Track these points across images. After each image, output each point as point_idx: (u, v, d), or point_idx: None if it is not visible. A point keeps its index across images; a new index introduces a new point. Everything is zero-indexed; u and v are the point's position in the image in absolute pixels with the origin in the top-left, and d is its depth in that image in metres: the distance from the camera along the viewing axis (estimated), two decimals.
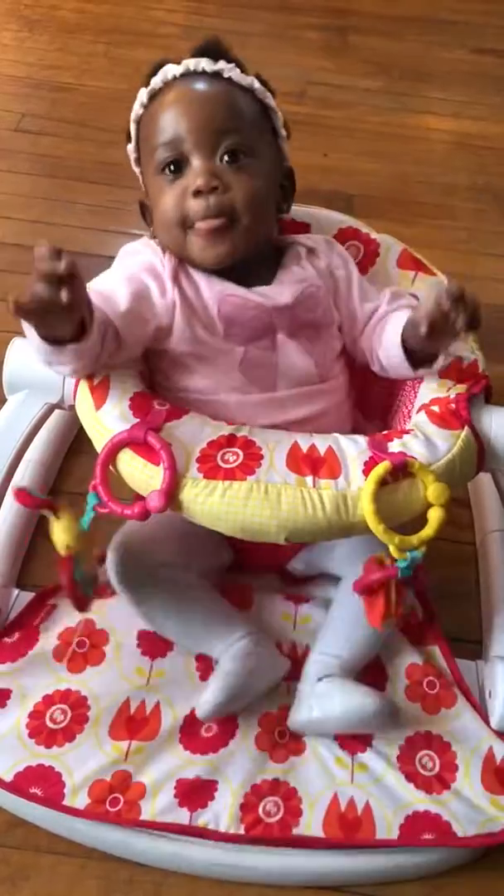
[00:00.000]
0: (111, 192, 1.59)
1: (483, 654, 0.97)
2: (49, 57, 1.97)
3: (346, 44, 2.13)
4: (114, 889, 0.83)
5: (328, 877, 0.84)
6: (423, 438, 0.76)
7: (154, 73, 0.85)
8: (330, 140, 1.80)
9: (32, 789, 0.82)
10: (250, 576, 0.98)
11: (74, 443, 1.17)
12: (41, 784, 0.82)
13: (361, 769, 0.85)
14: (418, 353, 0.82)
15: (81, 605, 0.82)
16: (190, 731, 0.86)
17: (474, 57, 2.12)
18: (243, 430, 0.77)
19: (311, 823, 0.81)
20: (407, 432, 0.78)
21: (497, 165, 1.80)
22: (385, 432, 0.79)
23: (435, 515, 0.73)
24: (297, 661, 0.90)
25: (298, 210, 1.00)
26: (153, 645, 0.92)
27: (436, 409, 0.80)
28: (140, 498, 0.74)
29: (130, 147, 0.90)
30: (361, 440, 0.76)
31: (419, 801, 0.83)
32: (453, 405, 0.79)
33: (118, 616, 0.93)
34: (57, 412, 1.01)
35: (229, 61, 0.85)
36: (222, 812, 0.82)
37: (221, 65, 0.84)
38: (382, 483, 0.72)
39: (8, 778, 0.83)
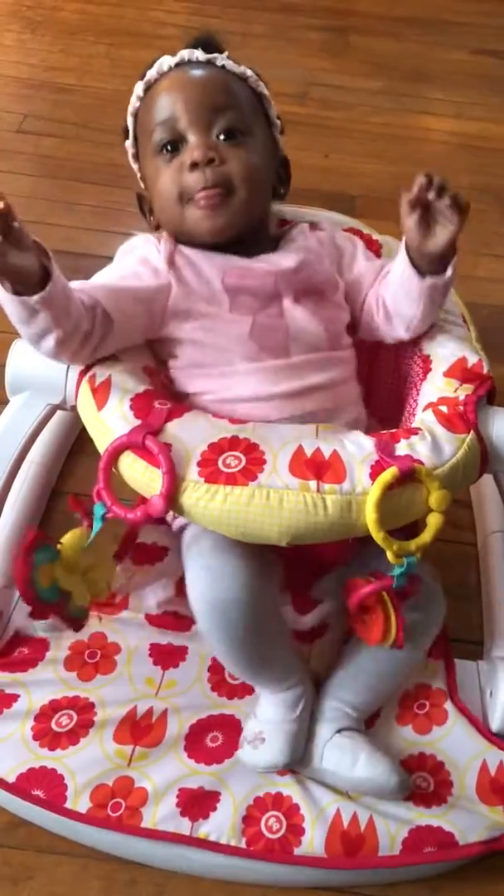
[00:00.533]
0: (112, 192, 1.59)
1: (484, 654, 0.97)
2: (50, 58, 1.97)
3: (347, 45, 2.13)
4: (115, 890, 0.83)
5: (331, 880, 0.84)
6: (430, 441, 0.76)
7: (150, 67, 0.87)
8: (331, 141, 1.81)
9: (34, 791, 0.82)
10: None
11: (76, 444, 1.18)
12: (43, 786, 0.82)
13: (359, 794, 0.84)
14: (422, 268, 0.83)
15: (76, 627, 0.79)
16: (195, 740, 0.86)
17: (475, 58, 2.13)
18: (247, 430, 0.76)
19: (314, 841, 0.80)
20: (414, 433, 0.77)
21: (498, 166, 1.80)
22: (392, 431, 0.78)
23: (434, 521, 0.73)
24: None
25: (301, 211, 1.00)
26: (165, 655, 0.91)
27: (444, 409, 0.80)
28: (143, 501, 0.74)
29: (128, 143, 0.91)
30: (367, 442, 0.76)
31: (419, 815, 0.83)
32: (461, 407, 0.79)
33: (129, 630, 0.93)
34: (59, 413, 1.01)
35: (221, 53, 0.87)
36: (224, 823, 0.81)
37: (215, 55, 0.86)
38: (388, 489, 0.71)
39: (10, 779, 0.83)
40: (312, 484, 0.72)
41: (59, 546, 0.76)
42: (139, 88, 0.87)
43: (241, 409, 0.81)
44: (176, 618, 0.93)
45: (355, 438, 0.77)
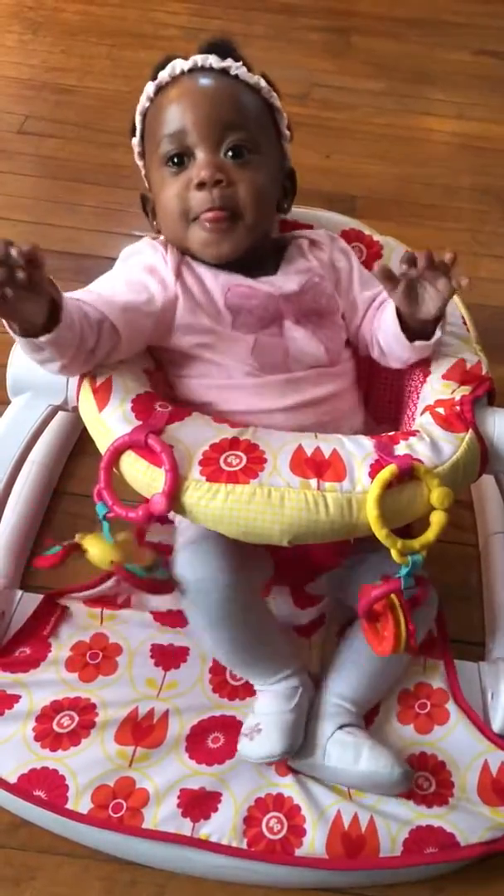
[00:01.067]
0: (114, 193, 1.60)
1: (485, 655, 0.97)
2: (52, 59, 1.97)
3: (349, 45, 2.13)
4: (117, 891, 0.83)
5: (333, 881, 0.83)
6: (429, 441, 0.76)
7: (161, 67, 0.86)
8: (333, 141, 1.81)
9: (36, 792, 0.82)
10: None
11: (78, 444, 1.18)
12: (45, 787, 0.82)
13: (360, 793, 0.84)
14: (414, 328, 0.83)
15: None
16: (196, 740, 0.86)
17: (477, 58, 2.13)
18: (247, 432, 0.77)
19: (315, 842, 0.80)
20: (412, 434, 0.78)
21: (499, 167, 1.80)
22: (391, 434, 0.79)
23: (437, 519, 0.73)
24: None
25: (302, 212, 1.00)
26: (166, 656, 0.92)
27: (441, 410, 0.80)
28: (143, 500, 0.74)
29: (135, 140, 0.90)
30: (367, 442, 0.76)
31: (420, 815, 0.82)
32: (458, 407, 0.80)
33: (131, 630, 0.93)
34: (60, 414, 1.02)
35: (237, 60, 0.85)
36: (225, 824, 0.81)
37: (229, 62, 0.84)
38: (387, 486, 0.72)
39: (12, 780, 0.83)
40: (313, 482, 0.72)
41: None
42: (150, 89, 0.86)
43: (244, 421, 0.81)
44: (182, 615, 0.93)
45: (355, 439, 0.77)
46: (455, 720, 0.89)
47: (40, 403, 0.95)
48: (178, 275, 0.84)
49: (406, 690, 0.91)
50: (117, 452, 0.75)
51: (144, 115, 0.88)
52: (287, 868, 0.81)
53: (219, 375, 0.84)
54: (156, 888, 0.83)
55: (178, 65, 0.85)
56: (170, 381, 0.87)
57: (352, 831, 0.81)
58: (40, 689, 0.88)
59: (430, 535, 0.73)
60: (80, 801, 0.82)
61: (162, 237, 0.89)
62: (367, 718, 0.88)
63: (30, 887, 0.83)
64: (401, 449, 0.75)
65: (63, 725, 0.86)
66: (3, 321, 0.69)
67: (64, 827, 0.84)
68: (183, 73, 0.84)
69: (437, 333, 0.83)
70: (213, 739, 0.86)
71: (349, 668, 0.88)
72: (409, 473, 0.73)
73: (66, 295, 0.78)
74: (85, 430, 0.82)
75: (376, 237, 1.01)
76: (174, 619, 0.94)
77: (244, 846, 0.81)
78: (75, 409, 0.86)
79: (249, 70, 0.86)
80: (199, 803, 0.82)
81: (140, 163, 0.91)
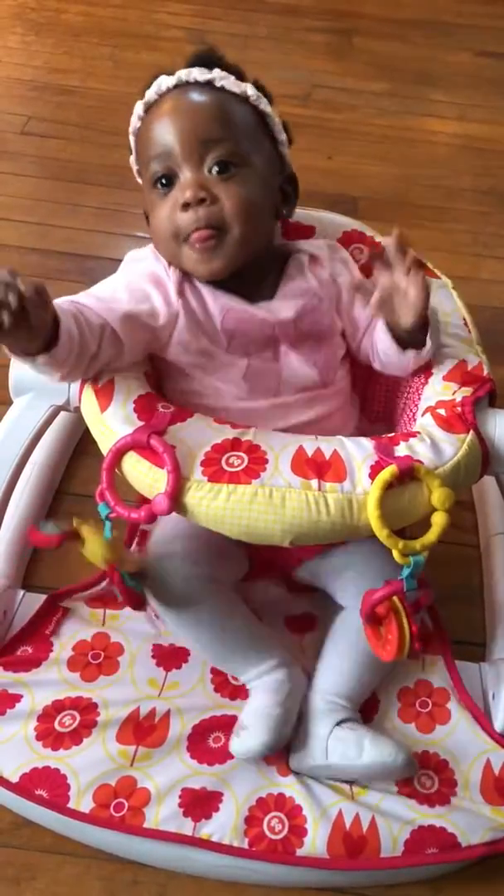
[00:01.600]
0: (116, 194, 1.60)
1: (486, 656, 0.97)
2: (54, 60, 1.98)
3: (351, 47, 2.13)
4: (118, 890, 0.83)
5: (334, 881, 0.84)
6: (430, 442, 0.76)
7: (148, 88, 0.85)
8: (334, 143, 1.81)
9: (38, 791, 0.82)
10: (254, 590, 0.95)
11: (80, 445, 1.18)
12: (46, 786, 0.82)
13: (362, 792, 0.84)
14: (403, 338, 0.83)
15: (139, 606, 0.83)
16: (198, 740, 0.86)
17: (478, 60, 2.13)
18: (248, 433, 0.77)
19: (316, 842, 0.80)
20: (413, 435, 0.78)
21: (501, 168, 1.80)
22: (391, 435, 0.79)
23: (438, 520, 0.73)
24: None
25: (304, 213, 1.00)
26: (168, 657, 0.92)
27: (442, 411, 0.80)
28: (146, 501, 0.74)
29: (132, 159, 0.91)
30: (368, 443, 0.77)
31: (423, 815, 0.82)
32: (459, 408, 0.80)
33: (133, 630, 0.93)
34: (62, 414, 1.02)
35: (224, 69, 0.85)
36: (226, 824, 0.81)
37: (214, 73, 0.84)
38: (388, 487, 0.72)
39: (14, 779, 0.83)
40: (314, 483, 0.72)
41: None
42: (139, 108, 0.86)
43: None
44: None
45: (355, 440, 0.77)
46: (457, 719, 0.89)
47: (42, 404, 0.95)
48: (181, 292, 0.84)
49: (406, 688, 0.91)
50: (119, 453, 0.75)
51: (137, 135, 0.88)
52: (288, 868, 0.81)
53: (208, 394, 0.85)
54: (157, 888, 0.83)
55: (164, 81, 0.84)
56: (163, 391, 0.88)
57: (353, 831, 0.81)
58: (42, 689, 0.88)
59: (432, 535, 0.73)
60: (82, 801, 0.82)
61: None
62: (367, 717, 0.88)
63: (30, 887, 0.83)
64: (401, 450, 0.75)
65: (65, 725, 0.86)
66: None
67: (66, 826, 0.84)
68: (168, 89, 0.84)
69: (428, 344, 0.83)
70: (215, 739, 0.86)
71: (336, 665, 0.88)
72: (409, 474, 0.73)
73: (68, 298, 0.79)
74: (87, 430, 0.82)
75: (378, 238, 1.00)
76: None
77: (245, 846, 0.81)
78: (77, 410, 0.86)
79: (240, 77, 0.86)
80: (200, 803, 0.82)
81: (139, 180, 0.91)
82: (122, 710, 0.87)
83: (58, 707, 0.87)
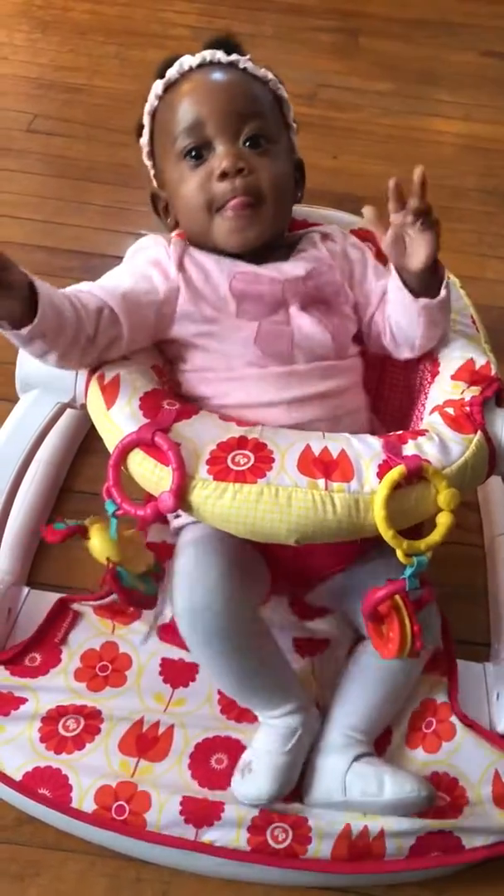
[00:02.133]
0: (122, 192, 1.60)
1: (491, 657, 0.97)
2: (61, 58, 1.98)
3: (357, 46, 2.13)
4: (122, 887, 0.83)
5: (336, 881, 0.83)
6: (438, 441, 0.76)
7: (167, 66, 0.86)
8: (340, 142, 1.81)
9: (41, 790, 0.82)
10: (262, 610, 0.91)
11: (85, 442, 1.18)
12: (49, 785, 0.82)
13: (375, 817, 0.82)
14: (415, 287, 0.83)
15: (144, 606, 0.83)
16: (200, 759, 0.84)
17: (484, 60, 2.13)
18: (255, 431, 0.76)
19: (320, 851, 0.80)
20: (421, 434, 0.77)
21: None
22: (399, 433, 0.78)
23: (443, 521, 0.73)
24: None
25: (311, 211, 1.00)
26: (176, 673, 0.90)
27: (450, 410, 0.80)
28: (151, 499, 0.74)
29: (143, 140, 0.91)
30: (375, 442, 0.76)
31: (431, 824, 0.81)
32: (467, 408, 0.79)
33: (142, 643, 0.92)
34: (68, 411, 1.02)
35: (242, 55, 0.87)
36: (229, 832, 0.80)
37: (236, 56, 0.86)
38: (396, 487, 0.71)
39: (17, 777, 0.83)
40: (321, 482, 0.72)
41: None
42: (158, 87, 0.86)
43: (245, 415, 0.81)
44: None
45: (362, 438, 0.77)
46: (461, 734, 0.87)
47: (48, 401, 0.95)
48: (181, 265, 0.84)
49: (414, 712, 0.89)
50: (125, 450, 0.75)
51: (154, 114, 0.88)
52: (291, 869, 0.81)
53: (220, 366, 0.84)
54: (161, 885, 0.83)
55: (187, 61, 0.86)
56: (178, 378, 0.87)
57: (359, 841, 0.80)
58: (47, 694, 0.88)
59: (437, 536, 0.73)
60: (84, 801, 0.82)
61: (167, 234, 0.89)
62: (379, 748, 0.86)
63: (34, 883, 0.83)
64: (409, 449, 0.75)
65: (69, 728, 0.85)
66: None
67: (68, 824, 0.84)
68: (192, 68, 0.85)
69: (442, 293, 0.82)
70: (217, 761, 0.84)
71: (354, 696, 0.86)
72: (417, 474, 0.72)
73: (69, 288, 0.79)
74: (92, 428, 0.82)
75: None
76: (179, 639, 0.89)
77: (248, 850, 0.80)
78: (83, 407, 0.86)
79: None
80: (202, 812, 0.81)
81: (149, 163, 0.92)
82: (125, 720, 0.86)
83: (62, 712, 0.86)
